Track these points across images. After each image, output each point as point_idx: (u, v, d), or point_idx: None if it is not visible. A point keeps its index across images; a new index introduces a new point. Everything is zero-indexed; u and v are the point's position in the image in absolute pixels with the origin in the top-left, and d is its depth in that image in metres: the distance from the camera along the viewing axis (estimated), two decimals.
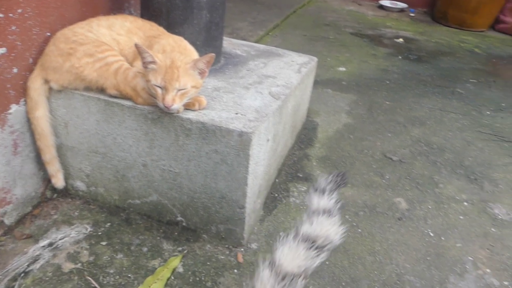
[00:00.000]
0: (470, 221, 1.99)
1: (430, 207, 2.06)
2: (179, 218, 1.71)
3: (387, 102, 3.22)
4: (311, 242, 0.59)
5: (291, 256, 0.59)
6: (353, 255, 1.72)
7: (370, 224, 1.90)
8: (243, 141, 1.42)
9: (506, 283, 1.65)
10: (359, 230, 1.86)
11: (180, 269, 1.56)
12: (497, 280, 1.66)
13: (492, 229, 1.95)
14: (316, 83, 3.38)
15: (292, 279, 0.59)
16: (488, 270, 1.71)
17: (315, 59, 2.34)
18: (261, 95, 1.71)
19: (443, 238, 1.86)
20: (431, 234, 1.88)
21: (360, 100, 3.20)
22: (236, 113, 1.52)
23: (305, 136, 2.59)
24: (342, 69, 3.79)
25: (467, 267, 1.72)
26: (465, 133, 2.85)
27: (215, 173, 1.53)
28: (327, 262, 1.67)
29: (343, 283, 1.58)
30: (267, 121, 1.54)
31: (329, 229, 0.62)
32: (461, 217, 2.01)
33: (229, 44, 2.32)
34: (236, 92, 1.71)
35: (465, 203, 2.12)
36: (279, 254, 0.59)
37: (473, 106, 3.32)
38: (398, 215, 1.98)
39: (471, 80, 3.90)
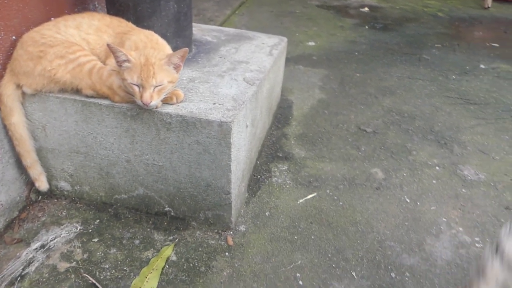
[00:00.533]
0: (442, 185, 2.11)
1: (405, 174, 2.17)
2: (167, 209, 1.76)
3: (358, 74, 3.30)
4: None
5: None
6: (337, 227, 1.82)
7: (350, 196, 2.00)
8: (223, 130, 1.47)
9: (477, 239, 1.79)
10: (341, 203, 1.96)
11: (174, 258, 1.62)
12: (469, 237, 1.80)
13: (463, 190, 2.08)
14: (287, 60, 3.42)
15: None
16: (460, 229, 1.84)
17: (285, 39, 2.37)
18: (236, 82, 1.74)
19: (418, 203, 1.98)
20: (408, 200, 2.00)
21: (332, 74, 3.26)
22: (214, 103, 1.56)
23: (281, 115, 2.64)
24: (312, 43, 3.83)
25: (442, 227, 1.84)
26: (434, 99, 2.97)
27: (199, 163, 1.57)
28: (312, 237, 1.76)
29: (329, 255, 1.68)
30: (244, 108, 1.58)
31: None
32: (434, 181, 2.14)
33: (198, 30, 2.31)
34: (211, 81, 1.73)
35: (437, 168, 2.24)
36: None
37: (440, 72, 3.43)
38: (375, 185, 2.09)
39: (436, 45, 4.01)
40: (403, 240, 1.77)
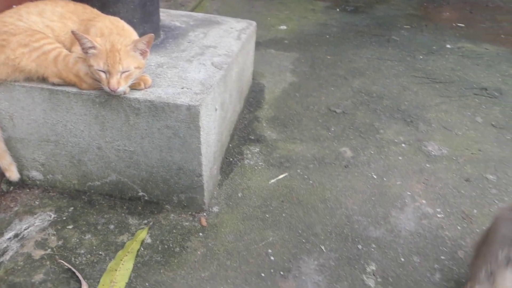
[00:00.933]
0: (408, 160, 2.21)
1: (372, 152, 2.26)
2: (141, 193, 1.79)
3: (328, 57, 3.36)
4: None
5: None
6: (307, 204, 1.89)
7: (320, 175, 2.07)
8: (191, 114, 1.50)
9: (439, 209, 1.89)
10: (311, 181, 2.02)
11: (148, 240, 1.66)
12: (431, 209, 1.90)
13: (427, 165, 2.18)
14: (259, 44, 3.44)
15: None
16: (423, 201, 1.94)
17: (254, 23, 2.39)
18: (204, 67, 1.77)
19: (385, 179, 2.07)
20: (375, 177, 2.08)
21: (303, 57, 3.31)
22: (182, 88, 1.58)
23: (253, 99, 2.68)
24: (283, 27, 3.86)
25: (406, 201, 1.94)
26: (401, 79, 3.06)
27: (169, 147, 1.61)
28: (283, 214, 1.82)
29: (300, 231, 1.75)
30: (212, 92, 1.62)
31: None
32: (400, 157, 2.23)
33: (167, 16, 2.31)
34: (180, 66, 1.75)
35: (403, 145, 2.33)
36: None
37: (408, 52, 3.52)
38: (344, 163, 2.16)
39: (405, 26, 4.10)
40: (370, 214, 1.85)
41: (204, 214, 1.79)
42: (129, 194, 1.80)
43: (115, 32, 1.50)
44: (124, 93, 1.50)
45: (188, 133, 1.55)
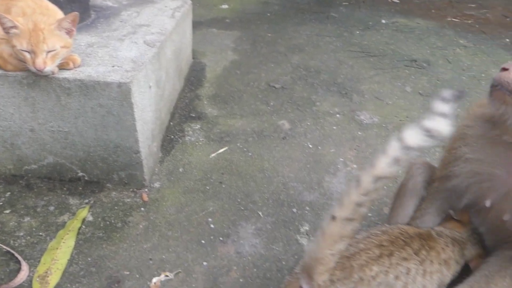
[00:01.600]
0: (342, 129, 2.35)
1: (309, 123, 2.38)
2: (80, 174, 1.80)
3: (269, 34, 3.43)
4: (428, 132, 0.83)
5: (413, 137, 0.83)
6: (246, 175, 1.98)
7: (259, 147, 2.17)
8: (123, 91, 1.53)
9: None
10: (250, 154, 2.11)
11: (90, 218, 1.68)
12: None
13: (359, 133, 2.33)
14: (201, 23, 3.46)
15: (410, 151, 0.84)
16: (355, 166, 2.09)
17: (189, 1, 2.41)
18: (136, 45, 1.78)
19: (320, 148, 2.19)
20: (310, 146, 2.20)
21: (244, 36, 3.37)
22: (113, 66, 1.60)
23: (194, 77, 2.72)
24: (225, 6, 3.88)
25: (339, 166, 2.08)
26: (338, 54, 3.20)
27: (104, 125, 1.63)
28: (223, 186, 1.91)
29: (239, 199, 1.84)
30: (144, 69, 1.65)
31: (441, 126, 0.87)
32: (334, 127, 2.36)
33: None
34: (111, 45, 1.76)
35: (338, 115, 2.47)
36: (406, 134, 0.84)
37: (345, 28, 3.67)
38: (282, 135, 2.27)
39: (343, 3, 4.24)
40: (305, 180, 1.97)
41: (146, 190, 1.84)
42: (69, 176, 1.81)
43: (38, 11, 1.49)
44: (53, 73, 1.50)
45: (122, 111, 1.58)
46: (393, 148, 0.86)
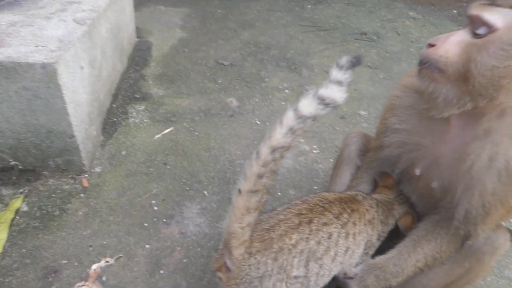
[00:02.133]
0: (290, 104, 2.33)
1: (257, 100, 2.35)
2: (13, 162, 1.71)
3: (219, 11, 3.35)
4: (322, 100, 0.81)
5: (308, 106, 0.81)
6: (192, 155, 1.94)
7: (206, 126, 2.12)
8: (48, 72, 1.44)
9: (315, 146, 2.05)
10: (196, 133, 2.07)
11: (25, 208, 1.61)
12: (308, 146, 2.05)
13: None
14: (148, 1, 3.33)
15: (305, 120, 0.85)
16: (302, 140, 2.08)
17: None
18: (64, 23, 1.68)
19: (268, 124, 2.18)
20: (258, 123, 2.18)
21: (193, 13, 3.27)
22: (36, 46, 1.50)
23: (140, 57, 2.62)
24: None
25: None
26: (289, 29, 3.16)
27: (32, 109, 1.54)
28: (168, 167, 1.86)
29: (184, 180, 1.81)
30: (73, 49, 1.56)
31: (336, 94, 0.84)
32: (282, 102, 2.35)
33: None
34: (36, 24, 1.65)
35: (286, 91, 2.45)
36: (301, 103, 0.80)
37: (296, 2, 3.62)
38: (230, 113, 2.23)
39: None
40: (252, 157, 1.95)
41: (86, 175, 1.77)
42: (0, 165, 1.71)
43: None
44: None
45: (49, 93, 1.49)
46: (288, 118, 0.87)
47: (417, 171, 1.17)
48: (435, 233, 1.15)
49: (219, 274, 1.02)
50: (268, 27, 3.15)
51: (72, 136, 1.64)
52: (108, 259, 1.45)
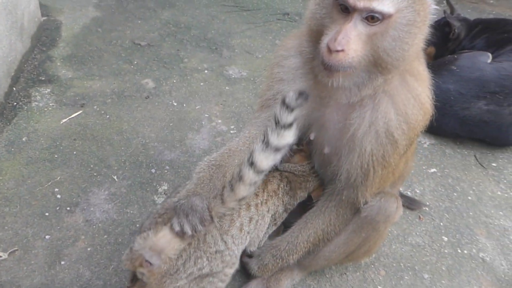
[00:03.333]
0: (209, 85, 2.29)
1: (175, 81, 2.28)
2: None
3: None
4: (277, 149, 0.92)
5: (265, 160, 0.93)
6: (101, 139, 1.84)
7: (119, 109, 2.02)
8: None
9: (232, 126, 2.03)
10: (108, 116, 1.96)
11: None
12: (226, 127, 2.02)
13: (226, 88, 2.29)
14: None
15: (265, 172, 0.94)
16: (219, 121, 2.05)
17: None
18: None
19: (185, 105, 2.12)
20: (175, 104, 2.12)
21: None
22: None
23: (47, 37, 2.43)
24: None
25: (203, 122, 2.03)
26: (211, 9, 3.09)
27: None
28: (74, 152, 1.75)
29: (92, 165, 1.71)
30: None
31: (288, 138, 0.92)
32: (201, 84, 2.29)
33: None
34: None
35: (206, 71, 2.40)
36: (257, 159, 0.93)
37: None
38: (145, 95, 2.14)
39: None
40: (167, 139, 1.90)
41: None
42: None
43: None
44: None
45: None
46: (249, 177, 0.93)
47: (312, 136, 1.18)
48: (324, 207, 1.18)
49: (140, 270, 1.01)
50: (189, 7, 3.05)
51: None
52: (0, 254, 1.34)
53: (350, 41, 0.92)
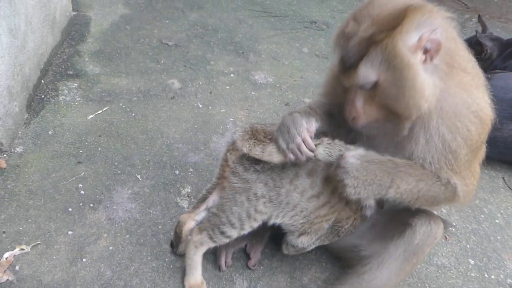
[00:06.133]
0: (235, 89, 2.27)
1: (200, 83, 2.26)
2: None
3: None
4: None
5: None
6: (126, 137, 1.83)
7: (144, 107, 2.01)
8: None
9: None
10: (133, 114, 1.96)
11: None
12: None
13: (252, 92, 2.27)
14: None
15: None
16: None
17: None
18: None
19: (210, 108, 2.10)
20: (200, 106, 2.10)
21: None
22: None
23: (76, 32, 2.44)
24: None
25: (228, 126, 2.01)
26: (239, 13, 3.08)
27: None
28: (99, 149, 1.74)
29: (116, 163, 1.70)
30: None
31: None
32: (227, 87, 2.28)
33: None
34: None
35: (232, 75, 2.38)
36: None
37: None
38: (171, 95, 2.13)
39: None
40: (191, 141, 1.88)
41: (4, 155, 1.61)
42: None
43: None
44: None
45: None
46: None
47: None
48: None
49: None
50: (217, 10, 3.05)
51: None
52: (23, 246, 1.33)
53: (358, 108, 1.06)
